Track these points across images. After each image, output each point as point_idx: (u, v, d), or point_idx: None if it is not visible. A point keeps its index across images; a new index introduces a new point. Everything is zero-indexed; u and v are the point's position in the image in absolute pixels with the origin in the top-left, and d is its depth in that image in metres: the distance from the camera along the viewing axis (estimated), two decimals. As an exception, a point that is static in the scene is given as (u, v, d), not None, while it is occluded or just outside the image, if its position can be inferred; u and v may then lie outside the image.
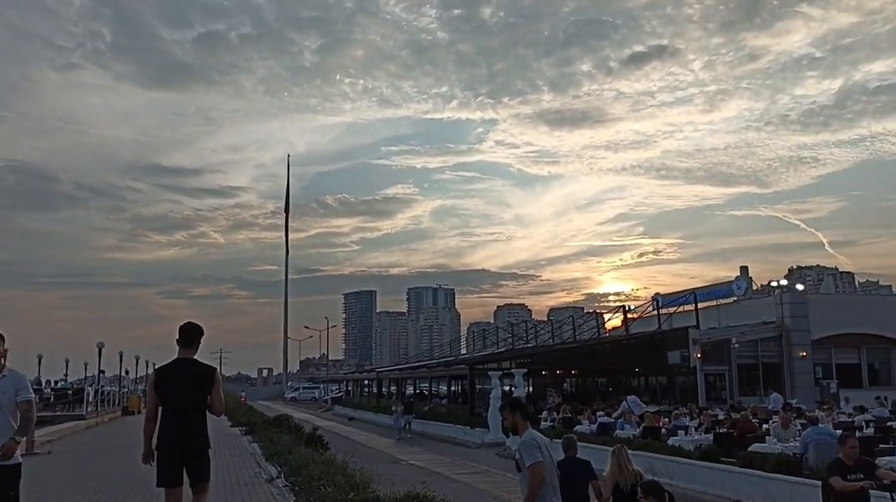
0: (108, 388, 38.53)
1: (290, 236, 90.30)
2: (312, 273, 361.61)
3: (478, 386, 31.10)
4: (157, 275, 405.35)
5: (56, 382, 37.90)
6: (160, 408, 6.29)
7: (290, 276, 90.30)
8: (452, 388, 36.90)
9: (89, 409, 30.79)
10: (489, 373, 29.39)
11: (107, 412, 34.46)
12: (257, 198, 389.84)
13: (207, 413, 6.46)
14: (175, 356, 6.48)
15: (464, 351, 59.31)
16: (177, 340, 6.48)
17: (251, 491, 11.09)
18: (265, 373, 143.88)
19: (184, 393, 6.27)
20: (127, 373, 46.25)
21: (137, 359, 50.65)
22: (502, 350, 46.61)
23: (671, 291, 42.66)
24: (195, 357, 6.51)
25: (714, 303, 37.79)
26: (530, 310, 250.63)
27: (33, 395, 6.20)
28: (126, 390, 44.63)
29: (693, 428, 17.32)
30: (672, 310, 36.91)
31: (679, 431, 16.98)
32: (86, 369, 50.94)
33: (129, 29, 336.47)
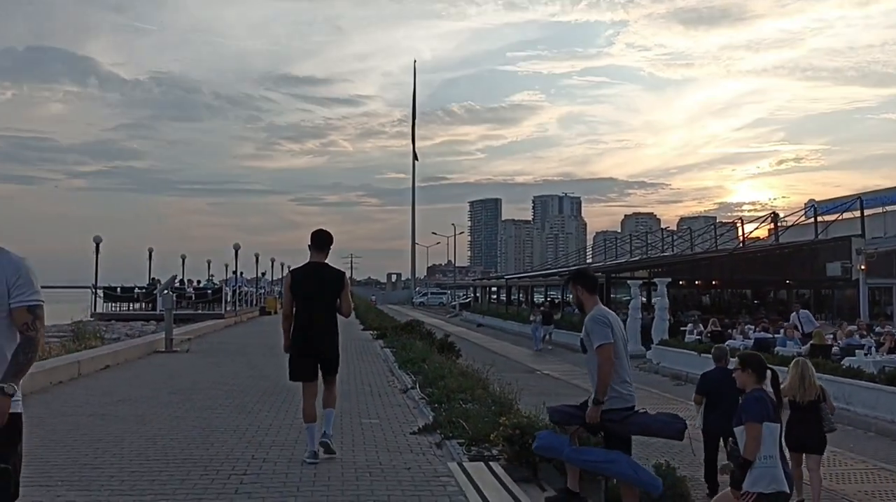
0: (246, 289, 39.67)
1: (416, 144, 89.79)
2: (439, 181, 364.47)
3: (613, 296, 29.74)
4: (291, 182, 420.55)
5: (198, 282, 39.29)
6: (294, 307, 6.68)
7: (416, 184, 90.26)
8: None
9: (227, 309, 31.65)
10: (628, 282, 27.83)
11: (245, 312, 35.49)
12: (384, 106, 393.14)
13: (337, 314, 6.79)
14: (307, 260, 6.81)
15: (590, 260, 57.56)
16: (308, 245, 6.82)
17: (386, 403, 10.34)
18: (394, 278, 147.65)
19: (315, 295, 6.62)
20: (263, 274, 47.69)
21: (273, 261, 52.16)
22: (636, 258, 44.60)
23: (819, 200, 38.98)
24: (326, 261, 6.81)
25: (881, 209, 34.06)
26: (659, 220, 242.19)
27: (40, 298, 3.34)
28: (263, 291, 46.02)
29: (872, 348, 15.31)
30: (832, 217, 33.62)
31: (856, 351, 15.03)
32: (226, 270, 52.93)
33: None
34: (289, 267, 60.50)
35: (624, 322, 25.08)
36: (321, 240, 6.83)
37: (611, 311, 5.69)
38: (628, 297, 27.70)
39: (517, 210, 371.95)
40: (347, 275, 7.15)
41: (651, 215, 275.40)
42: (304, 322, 6.65)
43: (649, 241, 49.50)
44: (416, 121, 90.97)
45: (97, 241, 29.30)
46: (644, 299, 27.33)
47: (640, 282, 27.01)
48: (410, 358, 14.33)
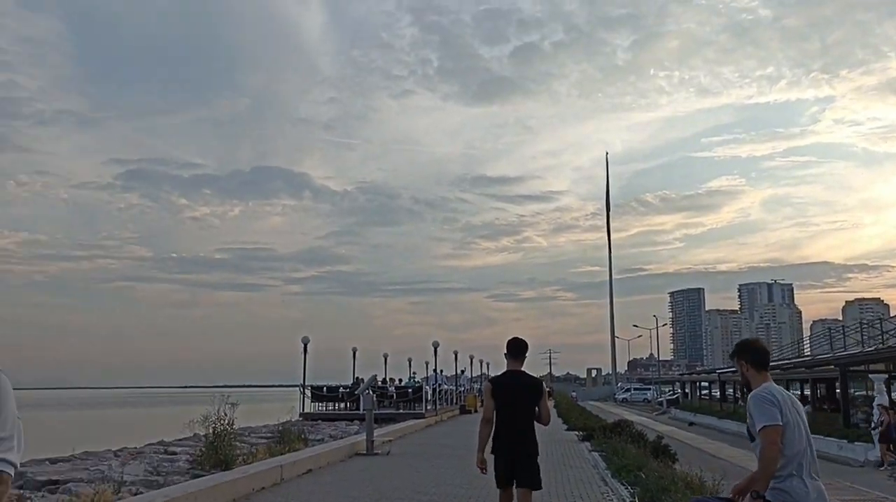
0: (446, 387, 39.48)
1: (611, 236, 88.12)
2: (635, 272, 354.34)
3: (851, 392, 26.21)
4: (488, 279, 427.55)
5: (399, 380, 39.67)
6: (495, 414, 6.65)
7: (613, 276, 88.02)
8: (817, 393, 31.85)
9: (428, 407, 31.38)
10: (870, 375, 24.38)
11: (445, 410, 35.12)
12: (577, 200, 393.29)
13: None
14: (504, 368, 6.93)
15: (807, 351, 52.17)
16: (505, 353, 6.90)
17: (603, 521, 9.01)
18: (593, 373, 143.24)
19: (515, 403, 6.63)
20: (463, 372, 47.46)
21: (472, 358, 52.01)
22: (872, 349, 39.54)
23: None
24: (522, 369, 6.88)
25: None
26: (888, 306, 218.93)
27: (14, 460, 2.52)
28: (463, 389, 45.70)
29: None
30: None
31: None
32: (426, 368, 53.51)
33: (453, 52, 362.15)
34: (487, 363, 60.41)
35: (868, 421, 22.08)
36: (517, 348, 6.90)
37: (783, 390, 4.68)
38: (863, 393, 24.23)
39: (721, 299, 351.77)
40: (546, 371, 7.54)
41: (878, 300, 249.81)
42: (503, 430, 6.62)
43: (885, 330, 43.96)
44: (611, 212, 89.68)
45: (305, 342, 30.41)
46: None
47: (886, 375, 23.50)
48: (625, 464, 12.88)
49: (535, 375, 7.06)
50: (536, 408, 6.66)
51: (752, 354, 4.78)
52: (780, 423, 4.39)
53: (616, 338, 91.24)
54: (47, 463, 13.97)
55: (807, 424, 4.59)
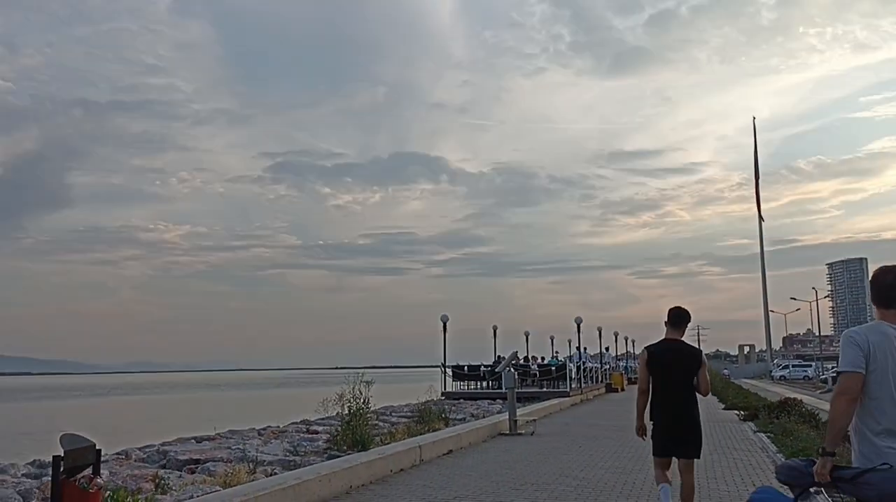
0: (591, 365, 38.15)
1: (761, 206, 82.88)
2: (788, 244, 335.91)
3: None
4: (628, 256, 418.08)
5: (542, 358, 38.77)
6: (651, 385, 6.55)
7: (765, 248, 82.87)
8: None
9: (573, 386, 30.27)
10: None
11: (590, 389, 33.87)
12: (721, 171, 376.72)
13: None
14: (662, 336, 6.70)
15: None
16: (665, 322, 6.71)
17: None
18: (745, 349, 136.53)
19: (673, 372, 6.47)
20: (607, 349, 45.91)
21: (616, 335, 50.31)
22: None
23: None
24: (682, 338, 6.67)
25: None
26: None
27: None
28: (608, 367, 44.18)
29: None
30: None
31: None
32: (569, 346, 52.21)
33: (585, 25, 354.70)
34: (632, 341, 58.39)
35: None
36: (679, 318, 6.70)
37: (884, 328, 3.73)
38: None
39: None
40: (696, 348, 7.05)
41: None
42: (661, 400, 6.53)
43: None
44: (759, 182, 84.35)
45: (444, 321, 30.05)
46: None
47: None
48: (802, 448, 11.40)
49: (693, 345, 6.92)
50: (695, 379, 6.50)
51: (873, 291, 3.88)
52: (860, 370, 3.62)
53: (771, 313, 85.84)
54: (193, 441, 14.12)
55: None
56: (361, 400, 11.49)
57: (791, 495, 4.11)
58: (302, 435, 14.43)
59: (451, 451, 12.98)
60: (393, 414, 20.70)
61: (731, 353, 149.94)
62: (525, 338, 41.87)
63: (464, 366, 32.08)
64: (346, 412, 11.47)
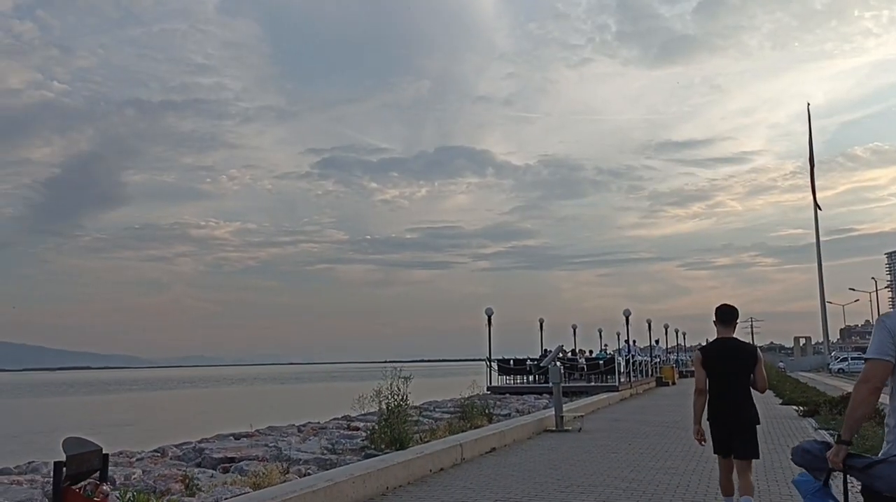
0: (640, 358, 37.19)
1: (816, 195, 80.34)
2: (845, 233, 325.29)
3: None
4: (678, 247, 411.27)
5: (590, 352, 38.02)
6: (707, 384, 6.49)
7: (821, 238, 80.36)
8: None
9: (622, 380, 29.49)
10: None
11: (640, 383, 33.02)
12: (774, 159, 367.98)
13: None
14: (714, 328, 6.67)
15: None
16: (714, 321, 6.63)
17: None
18: (801, 341, 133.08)
19: (729, 370, 6.40)
20: (657, 342, 44.81)
21: (667, 327, 49.13)
22: None
23: None
24: (734, 335, 6.63)
25: None
26: None
27: None
28: (658, 360, 43.13)
29: None
30: None
31: None
32: (617, 339, 51.19)
33: (631, 15, 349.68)
34: (683, 333, 57.10)
35: None
36: (727, 315, 6.63)
37: None
38: None
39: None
40: (748, 340, 6.96)
41: None
42: (717, 399, 6.44)
43: None
44: (814, 170, 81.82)
45: (488, 314, 29.48)
46: None
47: None
48: (869, 446, 10.63)
49: (748, 342, 6.96)
50: (752, 375, 6.43)
51: None
52: (886, 358, 3.42)
53: (828, 304, 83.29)
54: (231, 438, 13.88)
55: None
56: (400, 397, 11.04)
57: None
58: (342, 431, 14.08)
59: (494, 449, 12.51)
60: (437, 409, 20.26)
61: (786, 345, 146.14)
62: (572, 331, 41.14)
63: (509, 360, 31.49)
64: (384, 408, 11.06)
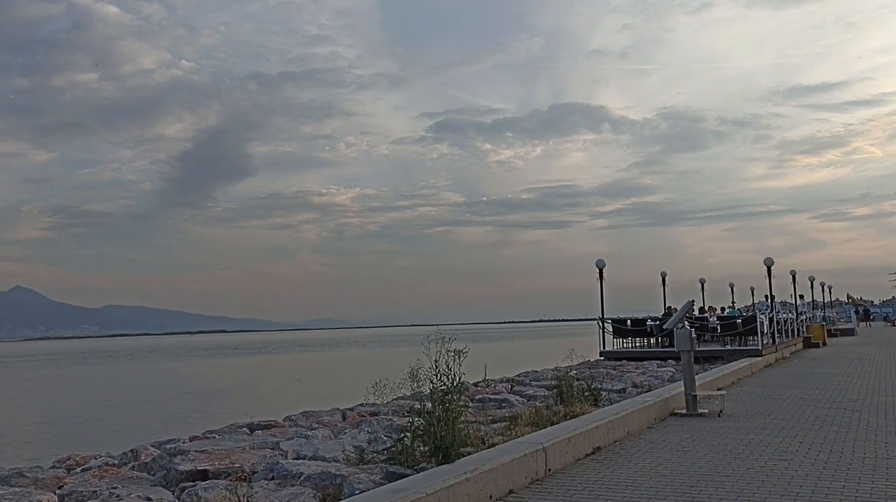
0: (784, 316, 31.89)
1: None
2: None
3: None
4: (810, 198, 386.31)
5: (723, 309, 33.31)
6: None
7: None
8: None
9: (765, 342, 24.67)
10: None
11: (785, 344, 27.97)
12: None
13: None
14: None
15: None
16: None
17: None
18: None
19: None
20: (802, 297, 39.08)
21: (812, 281, 43.18)
22: None
23: None
24: None
25: None
26: None
27: None
28: (804, 317, 37.50)
29: None
30: None
31: None
32: (751, 294, 45.52)
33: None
34: (829, 287, 50.59)
35: None
36: None
37: None
38: None
39: None
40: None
41: None
42: None
43: None
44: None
45: (600, 267, 25.26)
46: None
47: None
48: None
49: None
50: None
51: None
52: None
53: None
54: (246, 429, 10.68)
55: None
56: (450, 382, 7.30)
57: None
58: (395, 419, 10.58)
59: (597, 449, 8.74)
60: (532, 382, 16.49)
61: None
62: (700, 285, 36.36)
63: (626, 320, 27.15)
64: (422, 407, 7.43)
